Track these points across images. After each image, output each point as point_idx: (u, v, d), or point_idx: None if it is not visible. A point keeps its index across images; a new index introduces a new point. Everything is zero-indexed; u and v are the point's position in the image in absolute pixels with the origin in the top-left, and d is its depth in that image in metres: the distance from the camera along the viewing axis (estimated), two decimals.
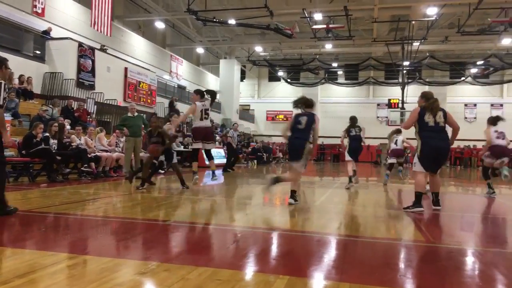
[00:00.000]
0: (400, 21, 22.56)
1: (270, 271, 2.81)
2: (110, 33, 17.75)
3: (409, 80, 27.85)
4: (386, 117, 34.98)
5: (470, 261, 3.42)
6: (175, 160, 8.33)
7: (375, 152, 31.74)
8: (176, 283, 2.46)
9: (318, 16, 20.69)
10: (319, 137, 6.84)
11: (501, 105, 33.45)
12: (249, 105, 38.00)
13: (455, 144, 8.69)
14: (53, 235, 3.94)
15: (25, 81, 12.95)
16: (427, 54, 26.97)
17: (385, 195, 8.51)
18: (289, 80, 32.99)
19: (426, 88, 32.38)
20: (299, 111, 6.17)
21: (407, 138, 10.20)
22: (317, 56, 29.07)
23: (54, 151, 8.92)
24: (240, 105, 33.10)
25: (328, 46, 27.46)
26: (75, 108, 12.93)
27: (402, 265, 3.18)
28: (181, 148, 16.60)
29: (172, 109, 19.94)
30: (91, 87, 15.65)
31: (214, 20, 20.56)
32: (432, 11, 20.59)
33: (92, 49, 16.02)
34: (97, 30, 17.13)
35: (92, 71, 15.79)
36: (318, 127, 6.01)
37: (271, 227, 4.69)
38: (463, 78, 29.23)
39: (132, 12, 23.77)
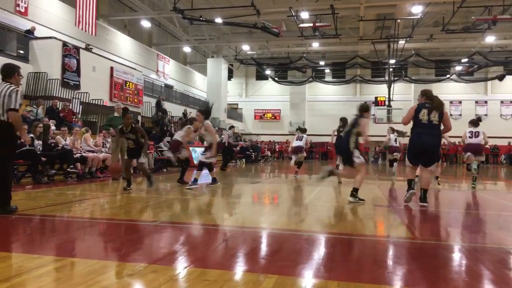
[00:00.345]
0: (385, 20, 22.75)
1: (259, 271, 2.80)
2: (95, 32, 17.55)
3: (395, 78, 28.12)
4: (373, 115, 35.23)
5: (458, 257, 3.47)
6: (142, 160, 7.69)
7: (363, 150, 31.88)
8: (164, 284, 2.44)
9: (305, 15, 20.77)
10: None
11: (486, 102, 33.97)
12: (237, 104, 37.95)
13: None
14: (39, 238, 3.88)
15: None
16: (413, 52, 27.22)
17: (373, 193, 8.57)
18: (276, 79, 33.00)
19: (412, 86, 32.81)
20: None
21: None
22: (304, 55, 29.14)
23: (39, 152, 8.78)
24: (228, 104, 33.04)
25: (315, 45, 27.58)
26: (60, 109, 12.74)
27: (390, 262, 3.20)
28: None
29: (159, 109, 19.83)
30: (76, 87, 15.44)
31: (201, 18, 20.45)
32: (417, 10, 20.82)
33: (77, 48, 15.81)
34: (82, 29, 16.92)
35: (77, 71, 15.57)
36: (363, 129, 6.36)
37: (260, 226, 4.69)
38: (448, 76, 29.57)
39: (117, 10, 23.53)
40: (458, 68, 30.33)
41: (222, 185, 8.81)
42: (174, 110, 23.08)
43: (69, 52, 15.27)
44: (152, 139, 15.17)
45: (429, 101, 5.98)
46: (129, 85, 18.88)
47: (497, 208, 6.92)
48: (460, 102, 34.20)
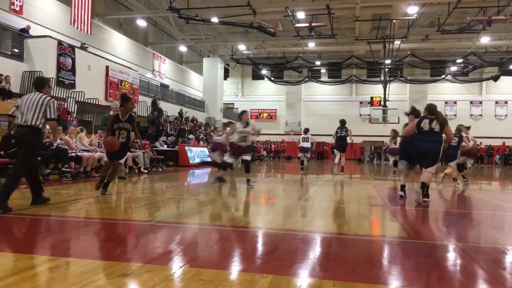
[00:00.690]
0: (381, 20, 22.81)
1: (254, 270, 2.80)
2: (90, 31, 17.47)
3: (391, 78, 28.19)
4: (369, 115, 35.36)
5: (452, 257, 3.48)
6: (122, 160, 6.92)
7: (359, 150, 32.02)
8: (159, 284, 2.43)
9: (301, 15, 20.78)
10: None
11: (480, 102, 34.17)
12: (233, 104, 37.92)
13: None
14: (33, 237, 3.85)
15: (3, 80, 12.64)
16: (408, 52, 27.33)
17: (368, 192, 8.59)
18: (272, 79, 32.99)
19: (408, 86, 32.95)
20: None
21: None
22: (300, 55, 29.15)
23: None
24: (224, 103, 33.01)
25: (311, 45, 27.58)
26: None
27: (385, 262, 3.20)
28: (164, 147, 16.47)
29: (155, 108, 19.76)
30: (72, 86, 15.38)
31: (197, 18, 20.41)
32: (412, 10, 20.88)
33: (72, 47, 15.74)
34: (77, 28, 16.83)
35: (73, 70, 15.51)
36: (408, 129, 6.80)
37: (255, 225, 4.68)
38: (443, 76, 29.69)
39: (113, 9, 23.43)
40: (453, 68, 30.48)
41: (218, 184, 8.80)
42: (170, 109, 23.03)
43: (64, 51, 15.20)
44: (148, 139, 15.14)
45: (432, 115, 6.39)
46: (124, 84, 18.83)
47: (492, 208, 6.96)
48: (455, 102, 34.38)
